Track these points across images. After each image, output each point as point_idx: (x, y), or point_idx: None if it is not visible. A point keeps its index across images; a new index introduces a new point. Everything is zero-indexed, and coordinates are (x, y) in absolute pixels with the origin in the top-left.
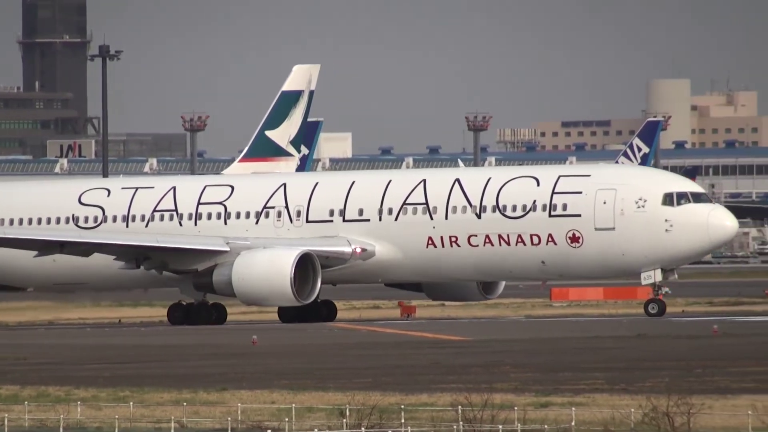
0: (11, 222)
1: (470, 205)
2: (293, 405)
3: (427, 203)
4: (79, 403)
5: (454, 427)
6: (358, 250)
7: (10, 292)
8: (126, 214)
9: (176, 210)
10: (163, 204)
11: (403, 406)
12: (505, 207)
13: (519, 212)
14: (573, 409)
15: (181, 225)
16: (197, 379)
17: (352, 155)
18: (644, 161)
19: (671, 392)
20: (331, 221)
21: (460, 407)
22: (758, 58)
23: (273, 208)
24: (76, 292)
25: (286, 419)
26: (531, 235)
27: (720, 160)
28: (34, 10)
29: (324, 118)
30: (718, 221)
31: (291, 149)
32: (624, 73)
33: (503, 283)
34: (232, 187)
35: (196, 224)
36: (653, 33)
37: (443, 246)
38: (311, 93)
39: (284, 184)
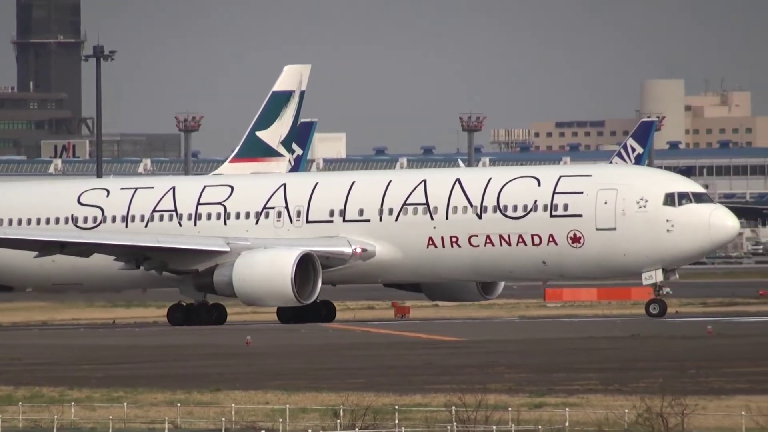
0: (10, 222)
1: (471, 205)
2: (287, 405)
3: (427, 203)
4: (73, 403)
5: (448, 427)
6: (359, 250)
7: (3, 293)
8: (125, 214)
9: (176, 210)
10: (163, 204)
11: (397, 407)
12: (506, 207)
13: (520, 212)
14: (567, 409)
15: (180, 225)
16: (191, 380)
17: (347, 155)
18: (638, 162)
19: (665, 393)
20: (332, 221)
21: (454, 408)
22: (752, 59)
23: (273, 208)
24: (69, 293)
25: (280, 420)
26: (532, 236)
27: (714, 161)
28: (29, 10)
29: (318, 119)
30: (719, 221)
31: (282, 150)
32: (618, 73)
33: (502, 283)
34: (232, 188)
35: (195, 224)
36: (647, 33)
37: (444, 246)
38: (302, 93)
39: (284, 185)
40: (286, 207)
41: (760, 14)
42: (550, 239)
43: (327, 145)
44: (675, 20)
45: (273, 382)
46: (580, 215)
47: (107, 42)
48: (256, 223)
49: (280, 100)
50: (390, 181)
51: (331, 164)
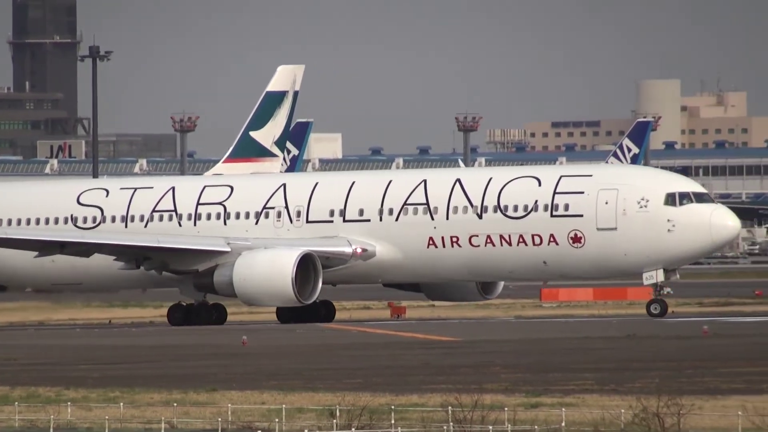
0: (9, 222)
1: (471, 205)
2: (283, 405)
3: (427, 203)
4: (69, 403)
5: (445, 427)
6: (359, 250)
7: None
8: (125, 214)
9: (175, 210)
10: (162, 204)
11: (393, 407)
12: (506, 207)
13: (520, 212)
14: (563, 409)
15: (180, 225)
16: (188, 380)
17: (343, 156)
18: (634, 162)
19: (661, 393)
20: (332, 221)
21: (450, 408)
22: (748, 59)
23: (273, 208)
24: (66, 293)
25: (276, 420)
26: (532, 236)
27: (710, 161)
28: (25, 10)
29: (314, 119)
30: (720, 221)
31: (275, 150)
32: (614, 73)
33: (502, 283)
34: (232, 188)
35: (195, 224)
36: (643, 34)
37: (444, 246)
38: (296, 93)
39: (284, 185)
40: (286, 207)
41: (757, 15)
42: (551, 239)
43: (323, 145)
44: (671, 20)
45: (269, 382)
46: (581, 215)
47: (103, 42)
48: (256, 223)
49: (274, 100)
50: (390, 181)
51: (327, 164)
